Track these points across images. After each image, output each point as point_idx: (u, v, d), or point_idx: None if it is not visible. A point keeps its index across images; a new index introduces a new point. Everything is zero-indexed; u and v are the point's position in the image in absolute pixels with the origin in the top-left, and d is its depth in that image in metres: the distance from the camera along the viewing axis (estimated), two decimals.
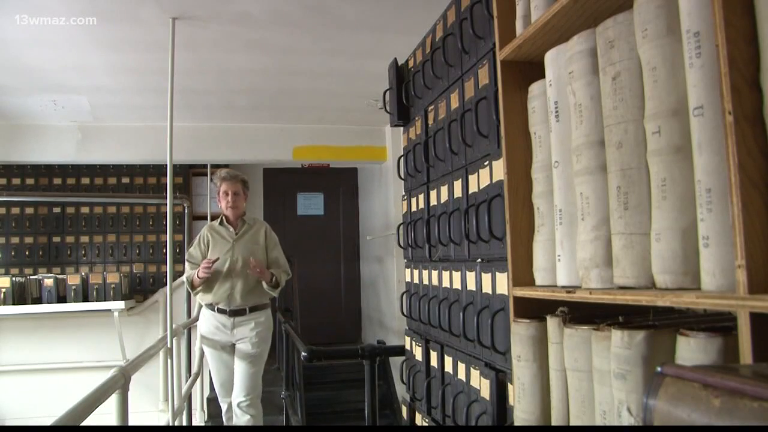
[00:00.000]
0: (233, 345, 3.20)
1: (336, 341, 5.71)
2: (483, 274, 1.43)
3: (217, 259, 3.09)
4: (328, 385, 4.84)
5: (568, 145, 1.00)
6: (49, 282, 4.58)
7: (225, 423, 3.36)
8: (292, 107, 4.57)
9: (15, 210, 5.33)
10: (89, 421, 1.53)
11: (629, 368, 0.81)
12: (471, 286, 1.50)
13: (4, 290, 4.46)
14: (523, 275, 1.14)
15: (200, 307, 3.46)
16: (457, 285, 1.60)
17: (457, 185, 1.60)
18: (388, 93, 2.21)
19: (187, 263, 3.24)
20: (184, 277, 3.25)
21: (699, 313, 0.99)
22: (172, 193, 2.97)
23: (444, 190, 1.71)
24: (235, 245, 3.20)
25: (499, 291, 1.34)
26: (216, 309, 3.18)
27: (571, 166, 0.98)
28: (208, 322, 3.22)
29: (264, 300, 3.25)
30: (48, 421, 1.38)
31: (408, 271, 2.06)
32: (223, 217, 3.29)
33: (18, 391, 4.63)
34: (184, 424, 3.26)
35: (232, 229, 3.25)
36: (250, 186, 3.42)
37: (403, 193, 2.12)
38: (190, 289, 3.21)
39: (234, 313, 3.17)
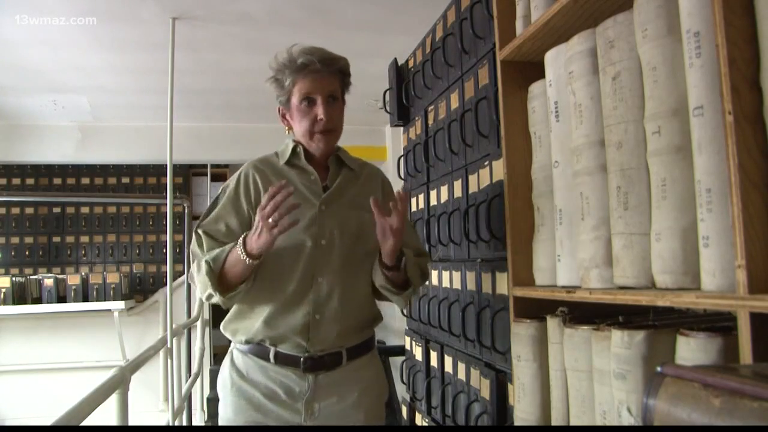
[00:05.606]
0: None
1: None
2: (483, 274, 1.43)
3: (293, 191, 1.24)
4: None
5: (568, 145, 1.00)
6: (49, 282, 4.57)
7: None
8: None
9: (15, 210, 5.32)
10: (89, 421, 1.53)
11: (629, 368, 0.81)
12: (471, 286, 1.50)
13: (4, 290, 4.45)
14: (523, 275, 1.14)
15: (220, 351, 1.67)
16: (457, 285, 1.60)
17: (457, 185, 1.60)
18: (388, 93, 2.21)
19: (202, 238, 1.38)
20: (194, 269, 1.36)
21: (699, 313, 0.99)
22: (172, 193, 2.97)
23: (444, 190, 1.71)
24: (325, 212, 1.39)
25: (499, 291, 1.34)
26: (273, 357, 1.37)
27: (571, 166, 0.98)
28: (246, 387, 1.38)
29: (373, 328, 1.49)
30: (48, 421, 1.38)
31: None
32: (302, 151, 1.46)
33: (18, 391, 4.62)
34: (184, 424, 3.26)
35: (315, 175, 1.43)
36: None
37: None
38: (212, 290, 1.31)
39: (316, 365, 1.37)
